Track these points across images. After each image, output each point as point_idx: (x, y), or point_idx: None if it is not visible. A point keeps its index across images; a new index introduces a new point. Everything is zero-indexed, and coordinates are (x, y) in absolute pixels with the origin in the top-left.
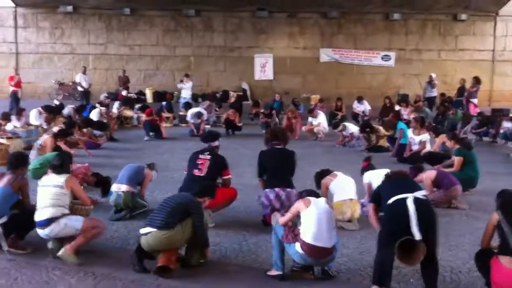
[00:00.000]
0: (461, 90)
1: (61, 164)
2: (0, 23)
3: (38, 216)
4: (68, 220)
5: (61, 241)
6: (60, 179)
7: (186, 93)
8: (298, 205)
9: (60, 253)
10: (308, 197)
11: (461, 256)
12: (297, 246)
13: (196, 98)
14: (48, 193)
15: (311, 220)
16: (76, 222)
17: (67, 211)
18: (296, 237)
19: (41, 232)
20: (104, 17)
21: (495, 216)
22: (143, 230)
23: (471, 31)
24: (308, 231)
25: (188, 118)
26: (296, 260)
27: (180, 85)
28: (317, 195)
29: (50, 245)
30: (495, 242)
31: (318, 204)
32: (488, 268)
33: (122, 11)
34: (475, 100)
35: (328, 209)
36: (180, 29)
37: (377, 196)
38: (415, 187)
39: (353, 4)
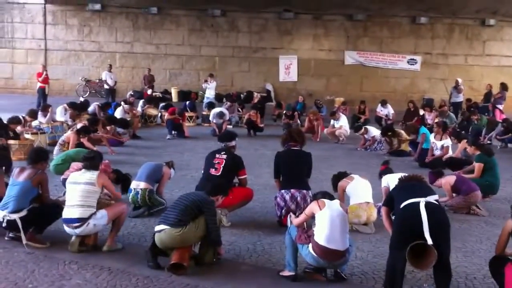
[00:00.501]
0: (488, 95)
1: (92, 158)
2: (30, 19)
3: (67, 214)
4: (95, 221)
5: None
6: (92, 176)
7: (210, 93)
8: (313, 207)
9: (105, 248)
10: (322, 199)
11: (476, 262)
12: (310, 247)
13: (220, 98)
14: (78, 191)
15: (325, 222)
16: (102, 219)
17: (94, 210)
18: (309, 238)
19: (70, 230)
20: (131, 15)
21: (510, 223)
22: (157, 227)
23: (499, 37)
24: (321, 233)
25: (211, 118)
26: (308, 262)
27: (204, 85)
28: (331, 197)
29: (73, 238)
30: (510, 249)
31: (332, 207)
32: (502, 274)
33: (149, 10)
34: (501, 106)
35: (341, 211)
36: (205, 29)
37: (390, 200)
38: (428, 192)
39: (379, 6)
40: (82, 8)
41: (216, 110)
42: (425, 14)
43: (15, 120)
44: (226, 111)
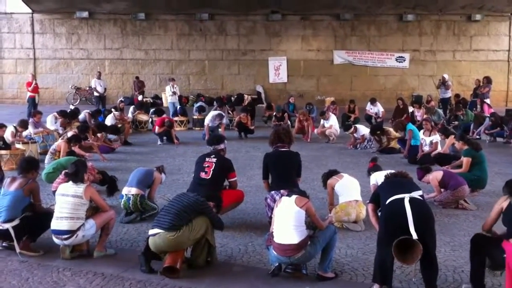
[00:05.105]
0: (476, 91)
1: (75, 173)
2: (17, 29)
3: (56, 225)
4: (84, 232)
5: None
6: (79, 189)
7: (173, 98)
8: (274, 208)
9: (95, 255)
10: (281, 198)
11: (464, 256)
12: (272, 247)
13: (211, 102)
14: (67, 204)
15: (277, 219)
16: (90, 230)
17: (83, 222)
18: (272, 239)
19: (59, 241)
20: (119, 22)
21: (506, 201)
22: (151, 231)
23: (485, 32)
24: (275, 231)
25: (207, 120)
26: (274, 261)
27: (168, 90)
28: (304, 194)
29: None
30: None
31: (284, 203)
32: (480, 253)
33: (137, 16)
34: (488, 100)
35: (294, 207)
36: (194, 33)
37: (377, 197)
38: (412, 187)
39: (366, 5)
40: (70, 16)
41: (214, 112)
42: (412, 11)
43: None
44: (224, 114)
